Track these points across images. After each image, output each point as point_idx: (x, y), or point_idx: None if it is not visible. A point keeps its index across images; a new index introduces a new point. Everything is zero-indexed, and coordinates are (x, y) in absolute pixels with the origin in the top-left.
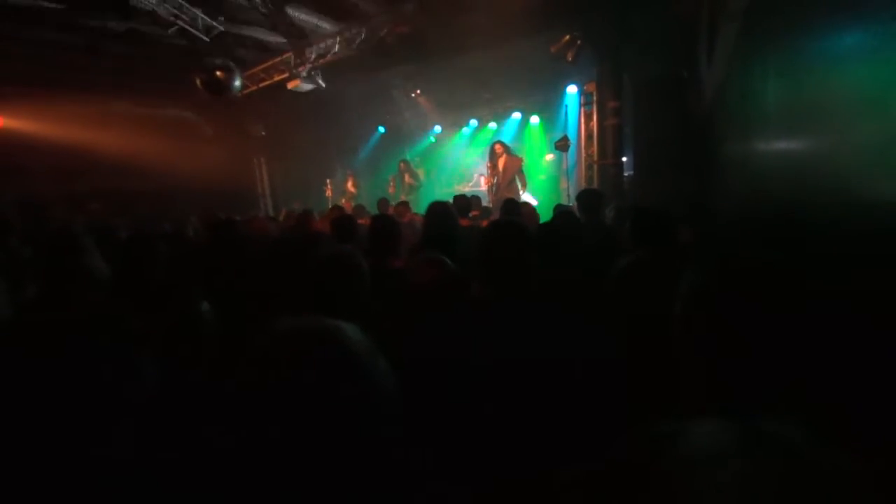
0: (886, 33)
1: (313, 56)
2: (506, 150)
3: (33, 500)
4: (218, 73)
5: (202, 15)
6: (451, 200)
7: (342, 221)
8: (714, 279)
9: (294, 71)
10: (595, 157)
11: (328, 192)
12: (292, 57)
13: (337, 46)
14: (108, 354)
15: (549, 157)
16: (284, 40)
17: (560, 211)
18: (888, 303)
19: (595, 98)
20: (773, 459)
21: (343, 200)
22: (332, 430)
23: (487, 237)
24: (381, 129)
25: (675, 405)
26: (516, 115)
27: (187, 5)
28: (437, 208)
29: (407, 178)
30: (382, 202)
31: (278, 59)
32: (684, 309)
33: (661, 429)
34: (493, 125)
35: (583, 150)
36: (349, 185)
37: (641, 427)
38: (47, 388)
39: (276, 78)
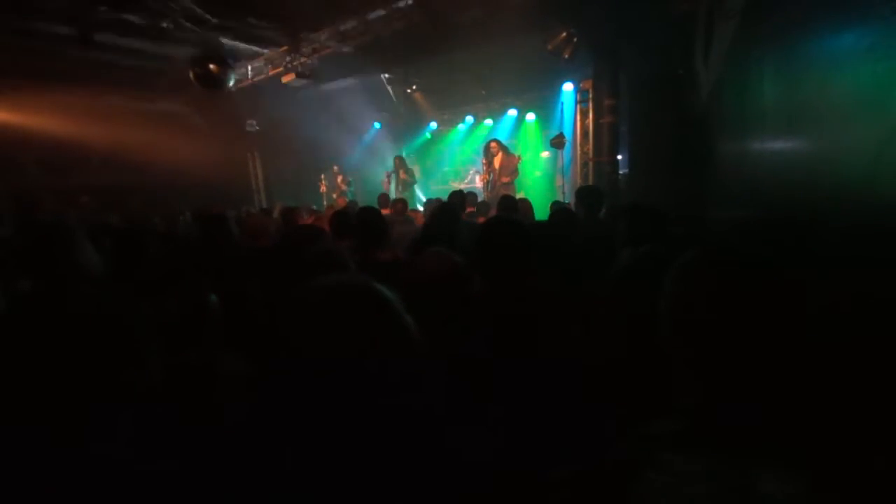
0: (886, 29)
1: (309, 50)
2: (501, 148)
3: (30, 497)
4: (212, 66)
5: (196, 7)
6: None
7: (337, 217)
8: (698, 263)
9: (289, 65)
10: (590, 155)
11: (322, 188)
12: (287, 51)
13: (332, 41)
14: (108, 343)
15: (545, 154)
16: (279, 34)
17: (558, 208)
18: (882, 301)
19: (591, 95)
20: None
21: (334, 196)
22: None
23: (486, 233)
24: (377, 125)
25: (668, 405)
26: (512, 112)
27: None
28: (441, 206)
29: (402, 174)
30: (382, 198)
31: (273, 52)
32: (669, 292)
33: (652, 431)
34: (488, 122)
35: (578, 148)
36: (339, 180)
37: (634, 428)
38: (47, 380)
39: (271, 72)
